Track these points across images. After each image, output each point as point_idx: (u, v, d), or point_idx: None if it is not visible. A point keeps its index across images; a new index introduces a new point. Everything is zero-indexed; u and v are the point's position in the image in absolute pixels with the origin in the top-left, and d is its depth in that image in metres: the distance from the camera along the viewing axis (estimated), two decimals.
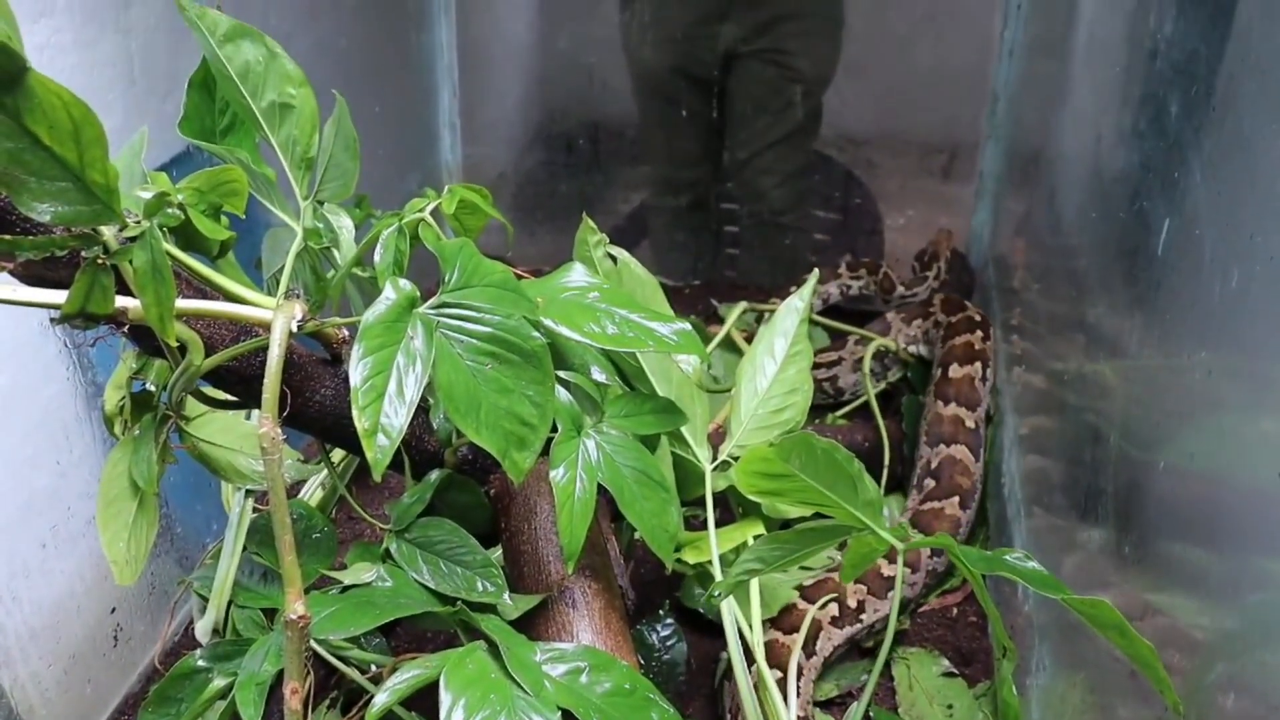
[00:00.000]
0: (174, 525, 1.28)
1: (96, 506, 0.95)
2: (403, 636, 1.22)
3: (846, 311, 1.85)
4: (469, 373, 0.78)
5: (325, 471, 1.27)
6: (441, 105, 2.13)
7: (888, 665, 1.23)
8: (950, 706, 1.18)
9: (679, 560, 1.12)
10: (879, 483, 1.45)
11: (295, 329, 0.80)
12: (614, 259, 1.14)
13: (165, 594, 1.26)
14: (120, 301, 0.75)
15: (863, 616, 1.24)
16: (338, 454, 1.20)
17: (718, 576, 1.06)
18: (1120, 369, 0.98)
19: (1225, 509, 0.72)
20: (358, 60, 1.78)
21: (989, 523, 1.44)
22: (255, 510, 1.12)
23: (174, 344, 0.81)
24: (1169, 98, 0.89)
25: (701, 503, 1.12)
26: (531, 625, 0.95)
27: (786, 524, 1.19)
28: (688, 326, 0.92)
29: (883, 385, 1.65)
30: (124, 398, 0.97)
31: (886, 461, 1.47)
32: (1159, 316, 0.87)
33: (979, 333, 1.55)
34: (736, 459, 1.01)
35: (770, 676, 1.05)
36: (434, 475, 1.02)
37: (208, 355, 0.84)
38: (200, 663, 1.03)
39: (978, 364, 1.52)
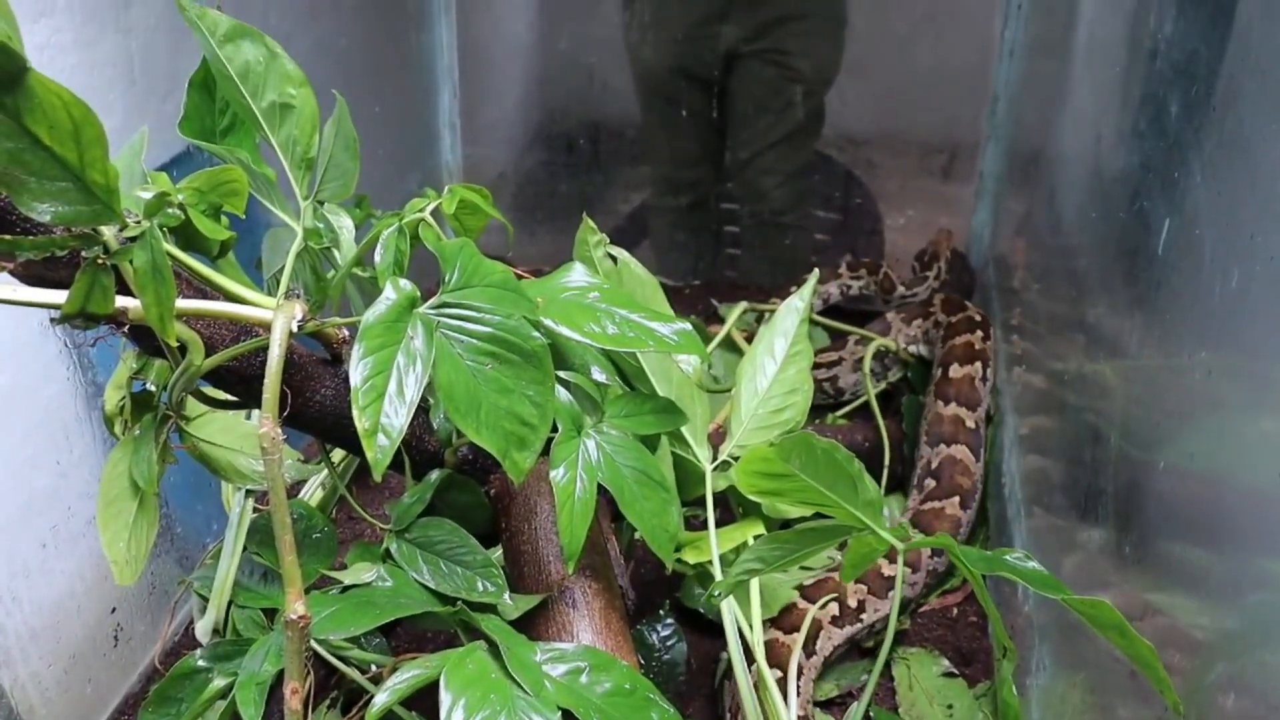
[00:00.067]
0: (174, 525, 1.28)
1: (97, 506, 0.95)
2: (403, 636, 1.22)
3: (847, 311, 1.85)
4: (469, 373, 0.78)
5: (325, 471, 1.27)
6: (442, 105, 2.13)
7: (888, 665, 1.23)
8: (950, 706, 1.18)
9: (679, 560, 1.12)
10: (879, 483, 1.45)
11: (295, 329, 0.80)
12: (614, 259, 1.14)
13: (165, 594, 1.26)
14: (120, 301, 0.75)
15: (863, 616, 1.24)
16: (338, 454, 1.20)
17: (718, 576, 1.06)
18: (1120, 369, 0.98)
19: (1225, 509, 0.72)
20: (358, 60, 1.79)
21: (989, 523, 1.44)
22: (255, 510, 1.12)
23: (174, 344, 0.81)
24: (1169, 98, 0.89)
25: (702, 503, 1.12)
26: (532, 625, 0.95)
27: (787, 524, 1.19)
28: (688, 326, 0.92)
29: (883, 385, 1.65)
30: (124, 398, 0.97)
31: (887, 461, 1.47)
32: (1159, 316, 0.87)
33: (979, 333, 1.55)
34: (737, 459, 1.01)
35: (770, 676, 1.05)
36: (434, 475, 1.02)
37: (208, 355, 0.84)
38: (200, 663, 1.03)
39: (978, 364, 1.52)
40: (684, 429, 1.10)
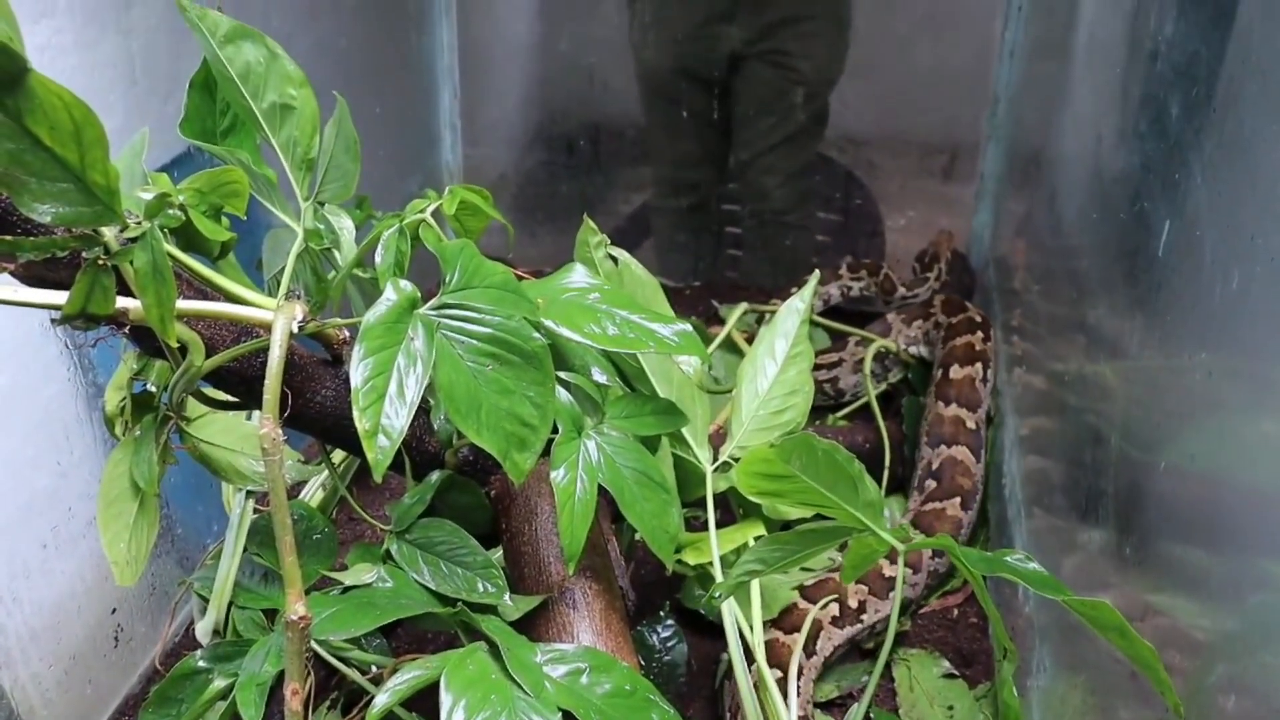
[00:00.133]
0: (175, 526, 1.28)
1: (97, 507, 0.95)
2: (403, 637, 1.22)
3: (847, 312, 1.85)
4: (470, 374, 0.78)
5: (326, 472, 1.27)
6: (442, 106, 2.13)
7: (888, 666, 1.23)
8: (951, 708, 1.18)
9: (679, 561, 1.12)
10: (880, 484, 1.45)
11: (296, 330, 0.80)
12: (615, 260, 1.14)
13: (166, 595, 1.26)
14: (121, 302, 0.75)
15: (863, 617, 1.24)
16: (338, 455, 1.20)
17: (718, 578, 1.06)
18: (1121, 370, 0.98)
19: (1226, 510, 0.72)
20: (358, 61, 1.79)
21: (990, 524, 1.44)
22: (256, 511, 1.12)
23: (175, 345, 0.81)
24: (1169, 99, 0.89)
25: (702, 504, 1.12)
26: (532, 626, 0.95)
27: (787, 525, 1.19)
28: (688, 328, 0.92)
29: (883, 386, 1.65)
30: (125, 398, 0.97)
31: (887, 463, 1.47)
32: (1159, 318, 0.87)
33: (980, 334, 1.55)
34: (737, 460, 1.01)
35: (770, 676, 1.05)
36: (435, 476, 1.02)
37: (208, 356, 0.84)
38: (201, 663, 1.03)
39: (978, 365, 1.52)
40: (684, 430, 1.10)
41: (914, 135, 2.06)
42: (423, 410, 1.03)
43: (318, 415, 0.95)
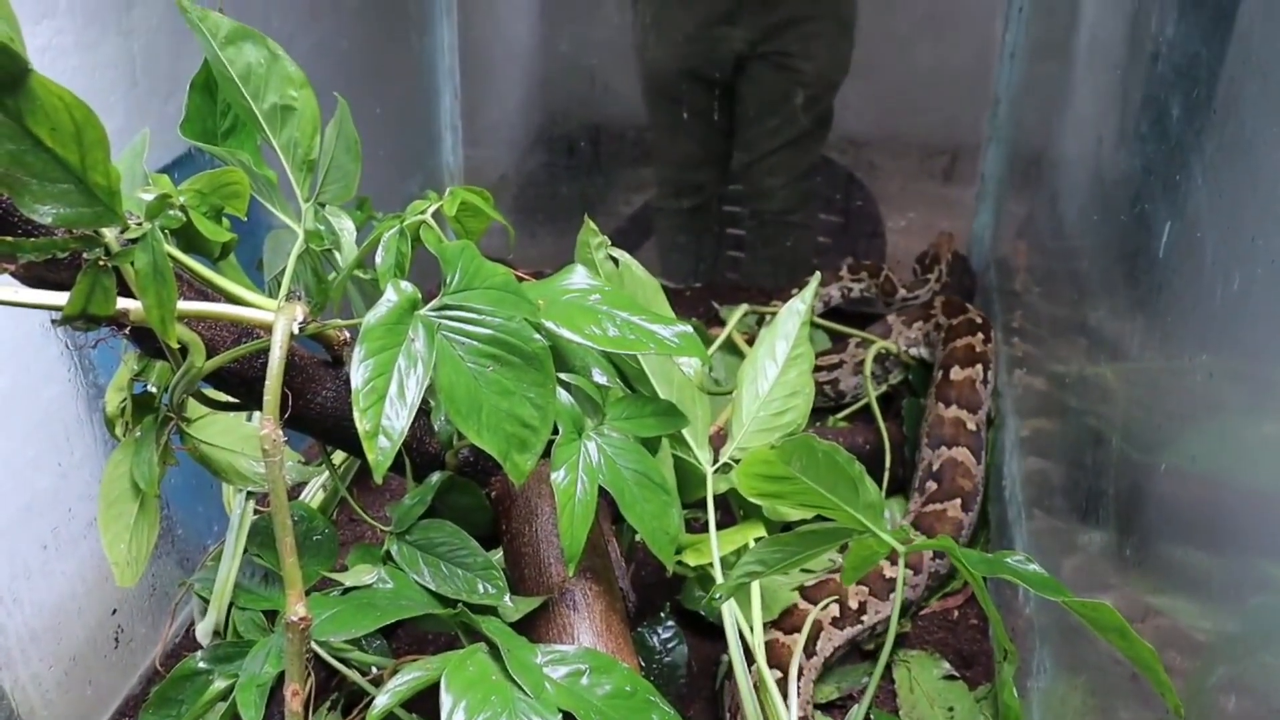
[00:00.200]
0: (175, 527, 1.28)
1: (98, 508, 0.95)
2: (404, 638, 1.22)
3: (848, 314, 1.85)
4: (470, 375, 0.78)
5: (326, 473, 1.27)
6: (443, 107, 2.13)
7: (889, 668, 1.23)
8: (951, 709, 1.18)
9: (680, 563, 1.12)
10: (880, 485, 1.45)
11: (297, 331, 0.80)
12: (615, 261, 1.14)
13: (166, 596, 1.26)
14: (122, 303, 0.76)
15: (864, 618, 1.24)
16: (339, 456, 1.20)
17: (719, 579, 1.06)
18: (1122, 372, 0.98)
19: (1227, 511, 0.72)
20: (359, 62, 1.79)
21: (990, 525, 1.43)
22: (256, 512, 1.12)
23: (175, 346, 0.81)
24: (1170, 100, 0.89)
25: (702, 505, 1.11)
26: (532, 627, 0.95)
27: (788, 526, 1.19)
28: (689, 329, 0.92)
29: (884, 388, 1.65)
30: (125, 399, 0.97)
31: (888, 464, 1.47)
32: (1160, 319, 0.87)
33: (980, 335, 1.55)
34: (737, 461, 1.01)
35: (770, 676, 1.05)
36: (435, 477, 1.02)
37: (209, 357, 0.84)
38: (201, 664, 1.02)
39: (979, 366, 1.51)
40: (685, 431, 1.10)
41: (915, 136, 2.06)
42: (423, 411, 1.03)
43: (318, 416, 0.95)
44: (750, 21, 1.93)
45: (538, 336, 0.81)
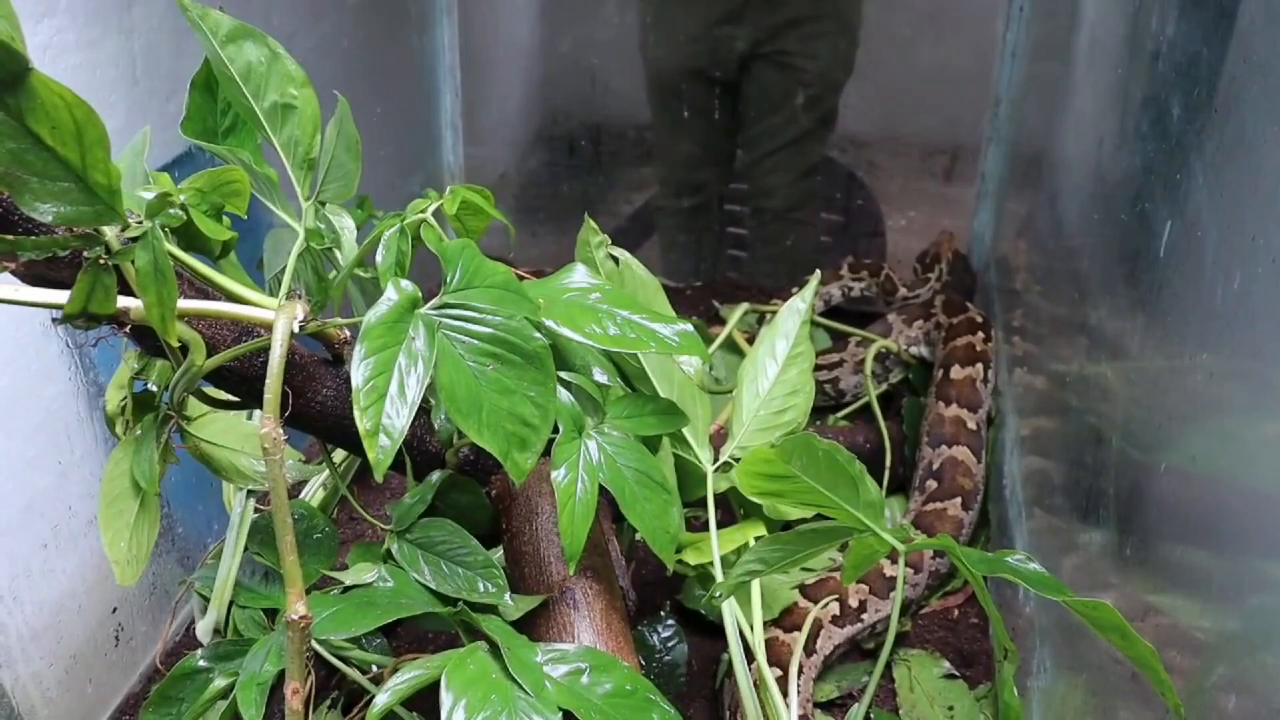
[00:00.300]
0: (175, 525, 1.28)
1: (98, 506, 0.95)
2: (404, 637, 1.22)
3: (848, 313, 1.85)
4: (471, 373, 0.78)
5: (326, 472, 1.27)
6: (443, 106, 2.13)
7: (889, 667, 1.23)
8: (951, 708, 1.18)
9: (680, 561, 1.12)
10: (880, 484, 1.45)
11: (297, 329, 0.80)
12: (616, 260, 1.14)
13: (167, 594, 1.26)
14: (122, 302, 0.76)
15: (864, 616, 1.24)
16: (339, 454, 1.20)
17: (719, 578, 1.06)
18: (1122, 371, 0.98)
19: (1227, 511, 0.72)
20: (360, 61, 1.79)
21: (990, 524, 1.44)
22: (257, 510, 1.12)
23: (176, 344, 0.81)
24: (1171, 100, 0.89)
25: (703, 504, 1.12)
26: (533, 626, 0.95)
27: (788, 525, 1.19)
28: (689, 328, 0.92)
29: (884, 387, 1.65)
30: (126, 398, 0.97)
31: (888, 463, 1.47)
32: (1161, 318, 0.87)
33: (980, 334, 1.55)
34: (738, 460, 1.01)
35: (770, 675, 1.05)
36: (435, 476, 1.02)
37: (209, 355, 0.84)
38: (201, 663, 1.02)
39: (979, 365, 1.51)
40: (685, 430, 1.10)
41: (915, 136, 2.06)
42: (423, 410, 1.03)
43: (319, 415, 0.95)
44: (754, 21, 1.93)
45: (538, 335, 0.81)
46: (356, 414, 0.72)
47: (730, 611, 1.06)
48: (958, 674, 1.22)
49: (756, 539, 1.13)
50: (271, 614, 1.08)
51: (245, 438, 1.08)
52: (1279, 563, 0.63)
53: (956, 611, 1.33)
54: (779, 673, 1.09)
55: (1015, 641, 1.08)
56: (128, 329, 0.79)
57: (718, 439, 1.18)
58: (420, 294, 0.79)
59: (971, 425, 1.46)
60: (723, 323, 1.76)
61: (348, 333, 0.92)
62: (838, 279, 1.88)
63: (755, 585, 1.12)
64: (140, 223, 0.73)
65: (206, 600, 1.10)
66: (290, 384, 0.89)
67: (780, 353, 1.20)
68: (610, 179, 2.20)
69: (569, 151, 2.18)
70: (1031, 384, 1.42)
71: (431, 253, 0.87)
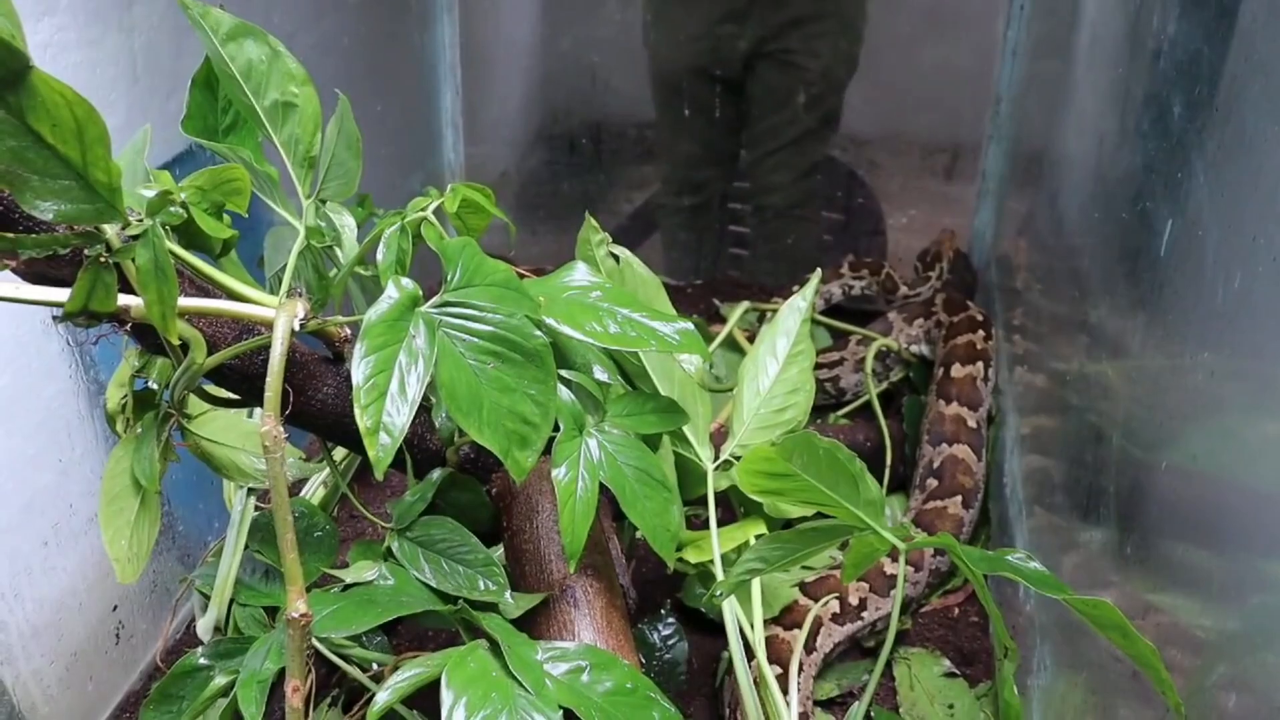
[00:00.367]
0: (176, 523, 1.28)
1: (99, 504, 0.95)
2: (404, 635, 1.22)
3: (849, 311, 1.85)
4: (471, 371, 0.78)
5: (327, 470, 1.27)
6: (444, 104, 2.13)
7: (889, 665, 1.23)
8: (951, 706, 1.18)
9: (680, 560, 1.12)
10: (881, 482, 1.45)
11: (297, 327, 0.80)
12: (616, 258, 1.14)
13: (167, 592, 1.26)
14: (123, 299, 0.76)
15: (864, 614, 1.24)
16: (340, 452, 1.20)
17: (719, 576, 1.06)
18: (1123, 369, 0.98)
19: (1228, 510, 0.72)
20: (360, 59, 1.79)
21: (991, 522, 1.44)
22: (257, 508, 1.12)
23: (176, 342, 0.81)
24: (1172, 98, 0.89)
25: (703, 502, 1.12)
26: (533, 624, 0.95)
27: (788, 524, 1.19)
28: (690, 326, 0.92)
29: (885, 385, 1.65)
30: (126, 396, 0.98)
31: (889, 461, 1.47)
32: (1161, 317, 0.87)
33: (981, 332, 1.55)
34: (738, 458, 1.01)
35: (770, 673, 1.05)
36: (436, 474, 1.02)
37: (210, 353, 0.84)
38: (202, 660, 1.02)
39: (980, 363, 1.51)
40: (686, 428, 1.10)
41: (916, 134, 2.06)
42: (424, 408, 1.03)
43: (319, 413, 0.95)
44: (758, 19, 1.93)
45: (539, 333, 0.81)
46: (357, 412, 0.72)
47: (730, 609, 1.06)
48: (958, 672, 1.22)
49: (757, 537, 1.13)
50: (272, 612, 1.08)
51: (246, 436, 1.08)
52: (1279, 561, 0.63)
53: (957, 610, 1.33)
54: (779, 671, 1.09)
55: (1015, 640, 1.08)
56: (128, 327, 0.79)
57: (718, 437, 1.18)
58: (421, 292, 0.79)
59: (972, 423, 1.46)
60: (723, 321, 1.76)
61: (348, 331, 0.92)
62: (838, 277, 1.87)
63: (755, 583, 1.12)
64: (141, 221, 0.73)
65: (207, 598, 1.10)
66: (291, 382, 0.89)
67: (781, 351, 1.20)
68: (611, 177, 2.20)
69: (570, 150, 2.18)
70: (1032, 382, 1.42)
71: (432, 251, 0.87)
